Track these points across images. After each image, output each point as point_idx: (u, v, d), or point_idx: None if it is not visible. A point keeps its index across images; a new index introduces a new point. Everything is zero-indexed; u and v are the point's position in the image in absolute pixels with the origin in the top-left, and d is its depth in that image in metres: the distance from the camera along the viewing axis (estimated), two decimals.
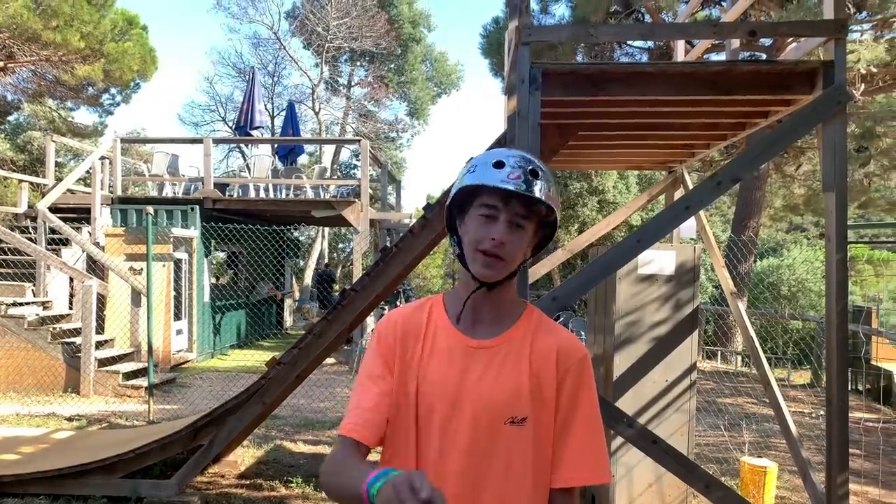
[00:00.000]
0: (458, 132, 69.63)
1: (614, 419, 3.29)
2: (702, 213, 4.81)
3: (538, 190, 1.30)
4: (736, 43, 4.38)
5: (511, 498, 1.34)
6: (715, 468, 5.90)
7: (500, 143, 4.15)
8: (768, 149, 3.29)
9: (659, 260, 4.32)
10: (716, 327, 14.11)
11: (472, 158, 1.40)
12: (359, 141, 13.03)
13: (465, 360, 1.37)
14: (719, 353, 13.82)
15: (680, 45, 4.94)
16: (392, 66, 27.18)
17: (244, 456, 6.18)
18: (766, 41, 11.96)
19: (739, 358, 13.48)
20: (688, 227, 4.91)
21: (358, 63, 27.68)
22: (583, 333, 12.67)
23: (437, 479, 1.32)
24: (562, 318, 12.72)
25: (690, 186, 5.04)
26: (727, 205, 22.97)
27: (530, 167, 1.31)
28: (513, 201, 1.30)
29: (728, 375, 11.42)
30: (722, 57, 7.58)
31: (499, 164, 1.31)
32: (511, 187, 1.28)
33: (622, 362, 4.45)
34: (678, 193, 5.14)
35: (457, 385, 1.36)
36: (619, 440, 4.37)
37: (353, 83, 27.96)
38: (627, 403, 4.38)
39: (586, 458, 1.36)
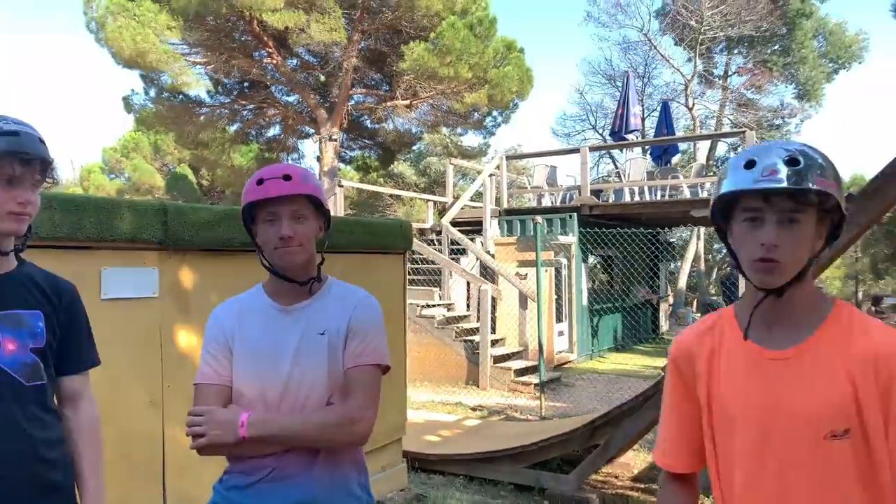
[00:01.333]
0: (862, 109, 60.62)
1: None
2: None
3: (799, 178, 1.17)
4: None
5: None
6: None
7: None
8: None
9: None
10: None
11: (728, 160, 1.32)
12: (742, 133, 12.17)
13: (765, 374, 1.27)
14: None
15: None
16: (776, 47, 24.87)
17: (636, 459, 6.15)
18: None
19: None
20: None
21: (735, 51, 25.97)
22: None
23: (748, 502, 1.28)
24: None
25: None
26: None
27: (786, 156, 1.18)
28: (776, 198, 1.19)
29: None
30: None
31: (749, 164, 1.20)
32: (765, 185, 1.18)
33: None
34: None
35: (759, 401, 1.26)
36: None
37: (729, 73, 26.33)
38: None
39: None
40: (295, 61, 18.82)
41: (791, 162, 1.18)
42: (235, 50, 16.91)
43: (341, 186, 11.23)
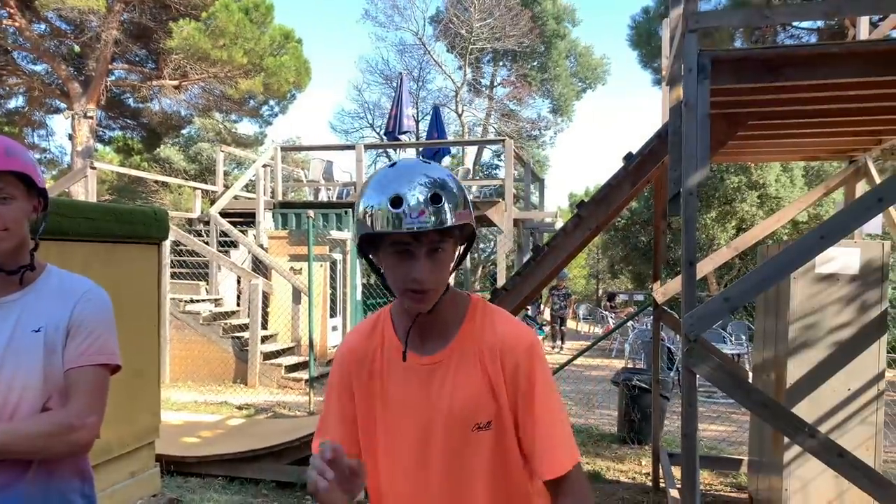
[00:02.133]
0: (604, 126, 68.02)
1: (793, 428, 3.05)
2: (890, 206, 4.36)
3: (445, 216, 1.23)
4: None
5: (495, 501, 1.35)
6: None
7: (661, 135, 3.99)
8: None
9: (841, 258, 3.95)
10: None
11: (365, 189, 1.28)
12: (503, 141, 13.08)
13: (421, 378, 1.37)
14: None
15: (863, 24, 4.51)
16: (535, 63, 27.13)
17: None
18: None
19: None
20: (873, 221, 4.48)
21: (500, 63, 27.88)
22: (743, 337, 11.96)
23: (417, 498, 1.37)
24: (719, 322, 12.06)
25: (876, 177, 4.59)
26: None
27: (429, 193, 1.22)
28: (424, 234, 1.23)
29: None
30: None
31: (396, 202, 1.21)
32: (417, 227, 1.21)
33: (796, 369, 4.12)
34: (861, 185, 4.70)
35: (418, 404, 1.36)
36: (793, 451, 4.06)
37: (495, 83, 28.16)
38: (802, 412, 4.03)
39: (551, 450, 1.32)
40: (43, 26, 16.73)
41: (434, 199, 1.22)
42: None
43: (94, 168, 10.19)
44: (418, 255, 1.25)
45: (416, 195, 1.22)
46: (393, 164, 1.30)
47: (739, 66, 3.15)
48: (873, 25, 5.22)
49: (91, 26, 15.84)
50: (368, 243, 1.34)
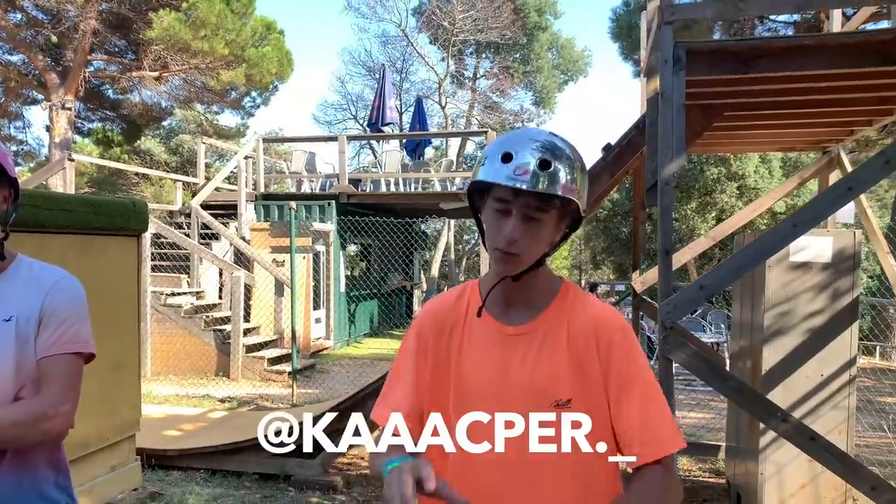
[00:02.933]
0: (585, 118, 68.09)
1: (767, 413, 3.12)
2: (862, 196, 4.45)
3: (548, 183, 1.22)
4: None
5: (561, 483, 1.31)
6: (878, 471, 5.44)
7: (639, 126, 4.04)
8: None
9: (815, 246, 4.02)
10: (874, 321, 13.01)
11: (490, 145, 1.32)
12: (486, 133, 13.10)
13: (502, 349, 1.35)
14: (878, 348, 12.72)
15: (836, 16, 4.58)
16: (517, 55, 27.13)
17: None
18: None
19: None
20: (845, 211, 4.56)
21: (483, 55, 27.86)
22: (722, 326, 12.09)
23: (476, 471, 1.32)
24: (699, 311, 12.19)
25: (848, 167, 4.67)
26: (884, 188, 21.10)
27: (540, 156, 1.22)
28: (523, 196, 1.24)
29: (889, 373, 10.50)
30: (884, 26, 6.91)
31: (507, 157, 1.23)
32: (517, 184, 1.22)
33: (771, 355, 4.19)
34: (834, 175, 4.78)
35: (496, 374, 1.33)
36: (768, 437, 4.13)
37: (478, 75, 28.16)
38: (777, 398, 4.11)
39: (653, 431, 1.28)
40: (19, 16, 16.48)
41: (543, 164, 1.22)
42: None
43: (72, 160, 10.08)
44: (515, 214, 1.26)
45: (526, 155, 1.23)
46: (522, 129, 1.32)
47: (714, 58, 3.20)
48: (846, 18, 5.30)
49: (69, 16, 15.62)
50: (480, 198, 1.35)
